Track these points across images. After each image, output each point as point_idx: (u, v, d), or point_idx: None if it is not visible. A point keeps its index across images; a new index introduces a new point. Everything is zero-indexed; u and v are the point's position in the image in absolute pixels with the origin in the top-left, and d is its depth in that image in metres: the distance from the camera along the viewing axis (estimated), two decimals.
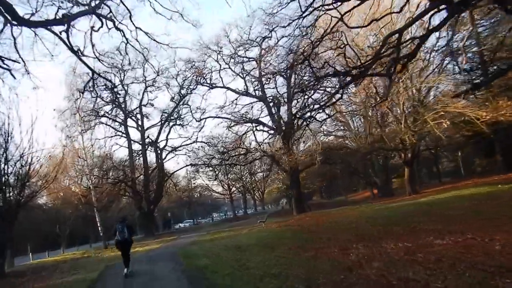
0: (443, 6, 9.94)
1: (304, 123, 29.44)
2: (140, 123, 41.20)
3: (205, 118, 39.26)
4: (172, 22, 19.10)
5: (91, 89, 19.11)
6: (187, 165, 45.61)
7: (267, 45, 31.56)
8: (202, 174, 54.12)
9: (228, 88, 36.65)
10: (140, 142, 41.05)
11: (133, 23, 13.15)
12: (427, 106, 23.86)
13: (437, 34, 20.82)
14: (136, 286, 9.62)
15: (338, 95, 13.33)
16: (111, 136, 39.06)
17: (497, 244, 7.52)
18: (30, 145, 17.69)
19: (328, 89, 24.51)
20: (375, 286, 6.35)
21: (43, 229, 39.39)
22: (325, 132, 38.58)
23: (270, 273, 8.55)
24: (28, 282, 14.22)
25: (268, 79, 33.38)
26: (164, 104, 54.49)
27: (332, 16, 12.23)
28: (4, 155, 16.92)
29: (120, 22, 12.99)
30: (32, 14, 11.42)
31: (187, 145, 42.21)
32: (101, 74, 15.11)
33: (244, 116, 35.76)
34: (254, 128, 35.18)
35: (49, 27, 10.95)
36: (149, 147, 42.07)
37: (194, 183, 59.10)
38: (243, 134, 36.53)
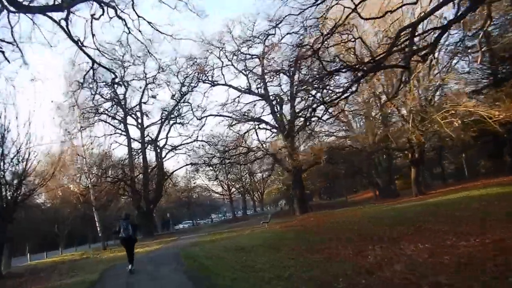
0: None
1: (307, 122, 28.91)
2: (140, 121, 40.74)
3: (206, 116, 38.89)
4: (176, 12, 18.57)
5: (91, 80, 18.44)
6: (187, 164, 45.06)
7: (271, 42, 31.19)
8: (202, 174, 53.81)
9: (230, 86, 36.29)
10: (140, 141, 40.49)
11: (135, 12, 12.59)
12: (437, 105, 23.34)
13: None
14: None
15: (352, 89, 12.68)
16: (111, 134, 38.54)
17: None
18: (28, 140, 16.98)
19: (331, 87, 24.03)
20: None
21: (42, 229, 38.80)
22: (326, 133, 38.15)
23: (279, 275, 8.08)
24: (26, 283, 13.69)
25: (272, 76, 32.90)
26: (165, 102, 53.83)
27: (344, 7, 11.75)
28: (1, 149, 16.23)
29: (122, 11, 12.42)
30: (31, 1, 10.87)
31: (187, 143, 41.86)
32: (101, 64, 14.52)
33: (246, 114, 35.33)
34: (257, 127, 34.70)
35: (47, 13, 10.35)
36: (149, 145, 41.64)
37: (194, 183, 58.67)
38: (245, 132, 36.21)
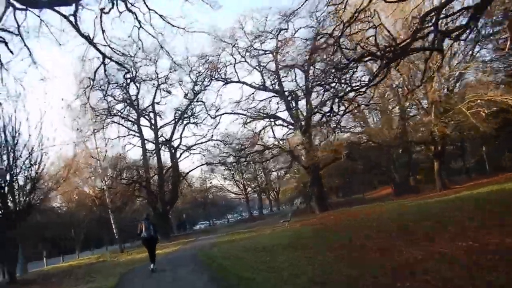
0: None
1: (330, 115, 28.12)
2: (153, 121, 40.36)
3: (220, 115, 38.63)
4: (187, 4, 17.93)
5: (103, 76, 17.99)
6: (202, 164, 44.67)
7: (284, 37, 30.57)
8: (217, 174, 53.52)
9: (244, 83, 35.79)
10: (154, 141, 40.19)
11: (146, 5, 12.06)
12: (459, 96, 22.38)
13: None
14: None
15: (379, 78, 11.94)
16: (124, 136, 38.28)
17: None
18: (40, 142, 16.65)
19: (352, 80, 23.20)
20: None
21: (57, 233, 38.81)
22: (342, 129, 37.27)
23: (299, 275, 7.61)
24: None
25: (287, 71, 32.27)
26: (177, 102, 53.53)
27: None
28: (12, 153, 15.89)
29: (132, 5, 11.92)
30: None
31: (201, 143, 41.56)
32: (112, 58, 14.04)
33: (261, 111, 34.82)
34: (273, 123, 34.15)
35: (55, 7, 9.90)
36: (163, 146, 41.30)
37: (210, 183, 58.39)
38: (261, 130, 35.77)
